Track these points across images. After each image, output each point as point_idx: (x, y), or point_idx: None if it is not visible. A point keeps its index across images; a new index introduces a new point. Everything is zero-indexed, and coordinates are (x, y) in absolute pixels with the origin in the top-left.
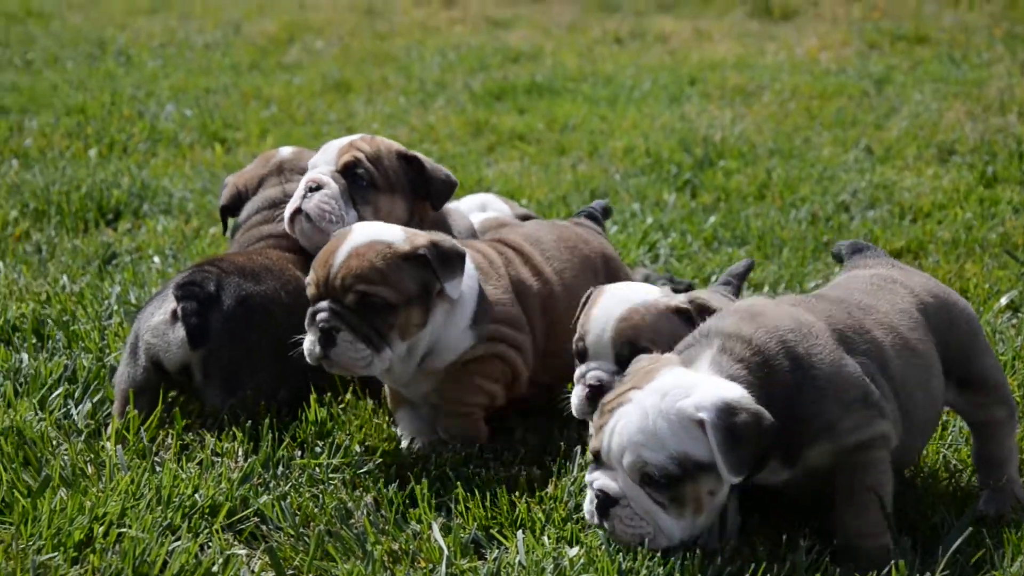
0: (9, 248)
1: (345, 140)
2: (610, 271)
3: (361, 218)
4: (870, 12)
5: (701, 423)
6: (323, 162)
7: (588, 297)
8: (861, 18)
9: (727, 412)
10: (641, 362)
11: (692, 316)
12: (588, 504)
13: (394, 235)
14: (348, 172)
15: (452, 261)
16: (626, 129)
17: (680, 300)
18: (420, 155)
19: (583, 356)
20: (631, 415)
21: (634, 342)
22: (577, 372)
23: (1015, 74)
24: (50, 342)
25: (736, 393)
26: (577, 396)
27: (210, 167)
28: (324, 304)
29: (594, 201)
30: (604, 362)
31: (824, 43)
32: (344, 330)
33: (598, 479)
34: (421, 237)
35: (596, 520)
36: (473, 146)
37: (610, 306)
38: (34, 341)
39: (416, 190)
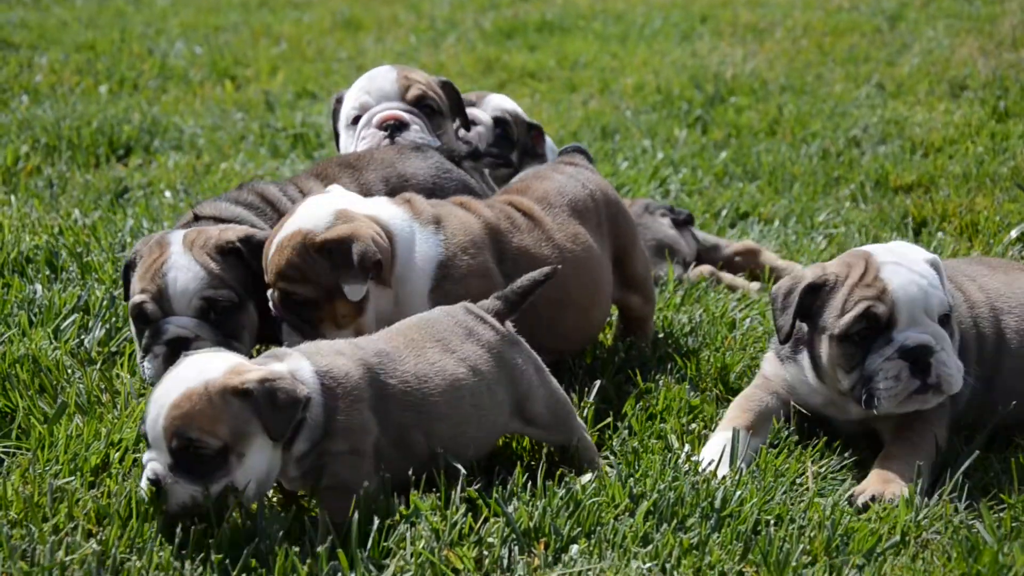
0: (21, 183)
1: (390, 73)
2: (609, 206)
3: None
4: None
5: None
6: (382, 97)
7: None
8: None
9: None
10: None
11: None
12: None
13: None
14: (421, 104)
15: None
16: (637, 66)
17: None
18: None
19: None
20: None
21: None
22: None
23: None
24: (63, 273)
25: None
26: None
27: (220, 104)
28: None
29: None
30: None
31: None
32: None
33: None
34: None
35: None
36: (484, 84)
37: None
38: (47, 272)
39: (453, 113)
